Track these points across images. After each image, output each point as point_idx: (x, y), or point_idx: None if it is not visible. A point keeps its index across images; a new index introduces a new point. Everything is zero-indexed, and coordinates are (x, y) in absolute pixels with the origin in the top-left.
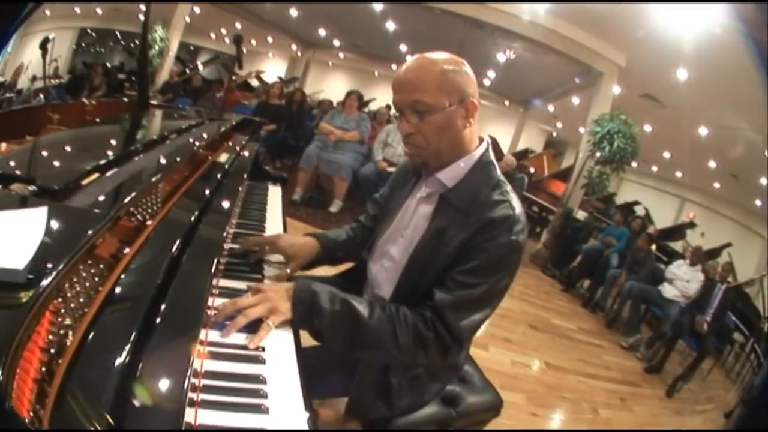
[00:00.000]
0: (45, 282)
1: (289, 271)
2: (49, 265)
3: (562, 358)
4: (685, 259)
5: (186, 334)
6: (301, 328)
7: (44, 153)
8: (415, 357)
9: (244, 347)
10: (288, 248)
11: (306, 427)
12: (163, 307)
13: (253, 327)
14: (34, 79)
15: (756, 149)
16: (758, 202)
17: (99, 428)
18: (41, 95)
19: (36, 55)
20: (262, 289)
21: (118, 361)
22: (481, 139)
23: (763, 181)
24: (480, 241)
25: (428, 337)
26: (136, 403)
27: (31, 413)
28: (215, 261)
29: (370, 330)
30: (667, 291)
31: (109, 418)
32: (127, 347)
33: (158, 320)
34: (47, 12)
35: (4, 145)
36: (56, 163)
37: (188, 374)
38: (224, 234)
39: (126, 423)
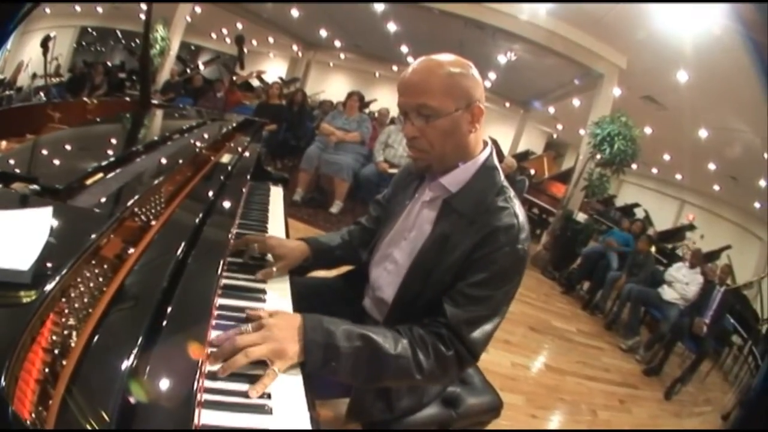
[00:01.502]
0: (50, 283)
1: (275, 269)
2: (55, 267)
3: (562, 360)
4: (684, 262)
5: (194, 336)
6: (313, 372)
7: (46, 152)
8: (437, 378)
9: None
10: (277, 247)
11: (309, 428)
12: (169, 309)
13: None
14: (34, 76)
15: (755, 151)
16: (757, 205)
17: (110, 430)
18: (42, 93)
19: (36, 53)
20: (266, 325)
21: (126, 363)
22: (485, 143)
23: (762, 183)
24: (486, 251)
25: (449, 357)
26: (146, 405)
27: (33, 414)
28: (221, 263)
29: (393, 362)
30: (667, 293)
31: (117, 421)
32: (135, 349)
33: (165, 322)
34: (47, 10)
35: (4, 143)
36: (58, 162)
37: (197, 377)
38: (229, 236)
39: (135, 425)
